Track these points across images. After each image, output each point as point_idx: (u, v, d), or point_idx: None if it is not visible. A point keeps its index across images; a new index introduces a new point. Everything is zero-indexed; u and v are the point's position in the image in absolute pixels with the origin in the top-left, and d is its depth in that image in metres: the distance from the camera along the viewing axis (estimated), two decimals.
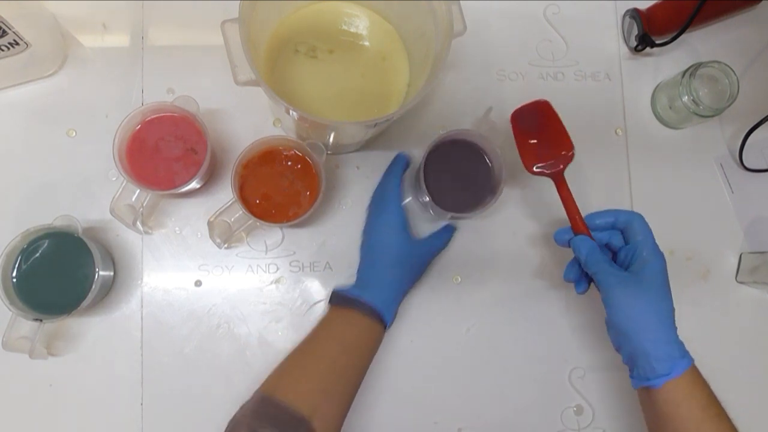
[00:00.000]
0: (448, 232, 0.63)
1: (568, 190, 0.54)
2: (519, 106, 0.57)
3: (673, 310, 0.50)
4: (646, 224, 0.53)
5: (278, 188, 0.58)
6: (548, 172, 0.55)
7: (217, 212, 0.57)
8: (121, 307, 0.61)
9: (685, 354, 0.50)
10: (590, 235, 0.53)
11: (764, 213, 0.68)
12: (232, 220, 0.57)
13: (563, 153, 0.55)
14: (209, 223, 0.57)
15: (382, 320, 0.55)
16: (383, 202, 0.60)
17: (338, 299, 0.57)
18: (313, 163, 0.57)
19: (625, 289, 0.50)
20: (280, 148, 0.58)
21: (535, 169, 0.56)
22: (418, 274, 0.61)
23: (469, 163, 0.60)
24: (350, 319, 0.55)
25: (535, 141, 0.56)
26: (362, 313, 0.55)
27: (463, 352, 0.63)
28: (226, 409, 0.60)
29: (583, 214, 0.54)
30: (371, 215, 0.62)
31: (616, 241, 0.54)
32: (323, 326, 0.56)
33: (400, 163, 0.62)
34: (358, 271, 0.60)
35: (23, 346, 0.54)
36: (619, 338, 0.51)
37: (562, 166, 0.55)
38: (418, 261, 0.60)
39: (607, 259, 0.52)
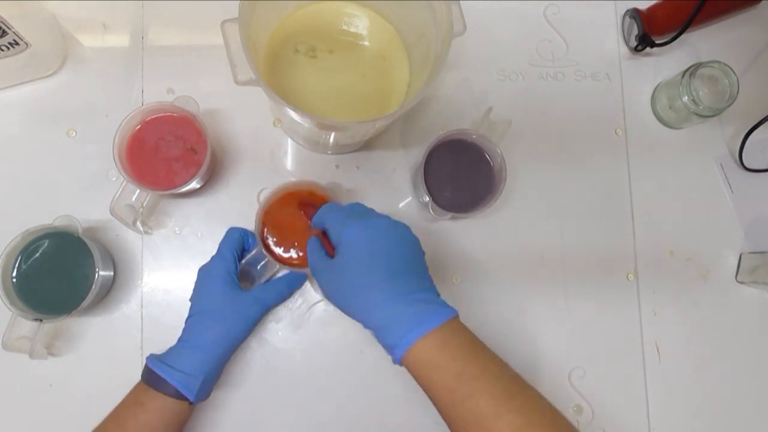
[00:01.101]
0: (288, 283, 0.59)
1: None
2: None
3: (386, 277, 0.45)
4: (327, 207, 0.50)
5: (299, 230, 0.57)
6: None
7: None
8: (121, 307, 0.61)
9: (416, 321, 0.45)
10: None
11: (764, 213, 0.68)
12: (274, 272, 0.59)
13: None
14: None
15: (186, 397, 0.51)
16: (217, 251, 0.57)
17: (145, 375, 0.52)
18: (327, 196, 0.57)
19: (327, 276, 0.48)
20: (293, 191, 0.57)
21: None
22: (243, 331, 0.55)
23: (469, 163, 0.60)
24: (146, 402, 0.51)
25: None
26: (164, 393, 0.50)
27: None
28: (225, 409, 0.60)
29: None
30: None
31: None
32: (125, 410, 0.52)
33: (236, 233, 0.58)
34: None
35: (23, 346, 0.54)
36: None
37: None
38: (241, 315, 0.55)
39: (318, 253, 0.49)
